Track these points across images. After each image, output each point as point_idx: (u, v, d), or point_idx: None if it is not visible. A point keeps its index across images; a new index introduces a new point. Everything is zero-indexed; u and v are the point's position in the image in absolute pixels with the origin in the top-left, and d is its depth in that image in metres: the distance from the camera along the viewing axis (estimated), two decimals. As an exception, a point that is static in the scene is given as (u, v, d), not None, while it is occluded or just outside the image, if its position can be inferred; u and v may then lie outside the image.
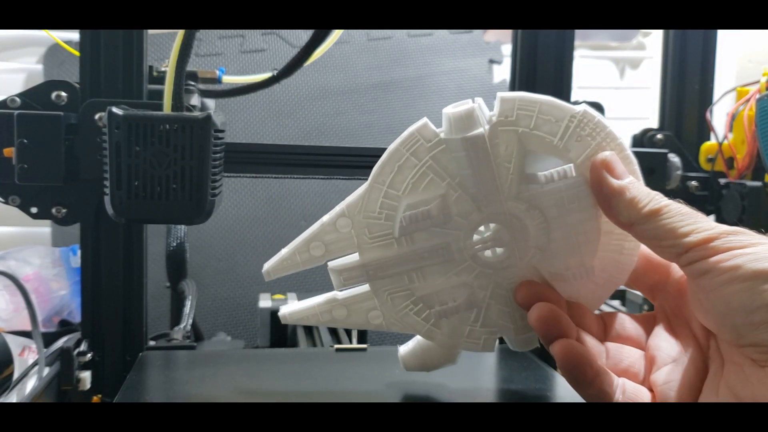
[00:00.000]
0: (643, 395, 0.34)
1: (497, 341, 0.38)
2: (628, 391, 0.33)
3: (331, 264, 0.37)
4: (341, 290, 0.38)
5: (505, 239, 0.36)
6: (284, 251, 0.38)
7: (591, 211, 0.35)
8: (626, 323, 0.37)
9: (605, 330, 0.37)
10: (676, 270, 0.36)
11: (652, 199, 0.32)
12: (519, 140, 0.35)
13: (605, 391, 0.33)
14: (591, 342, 0.35)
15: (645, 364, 0.35)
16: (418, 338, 0.40)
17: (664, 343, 0.35)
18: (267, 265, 0.38)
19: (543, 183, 0.35)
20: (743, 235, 0.30)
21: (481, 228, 0.36)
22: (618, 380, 0.34)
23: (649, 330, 0.37)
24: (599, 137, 0.34)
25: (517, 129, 0.35)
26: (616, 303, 0.82)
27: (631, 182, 0.33)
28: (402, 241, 0.36)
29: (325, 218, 0.37)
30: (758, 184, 0.63)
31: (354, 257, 0.37)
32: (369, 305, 0.38)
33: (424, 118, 0.35)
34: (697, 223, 0.31)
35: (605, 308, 0.39)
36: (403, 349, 0.41)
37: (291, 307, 0.40)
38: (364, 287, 0.38)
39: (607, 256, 0.36)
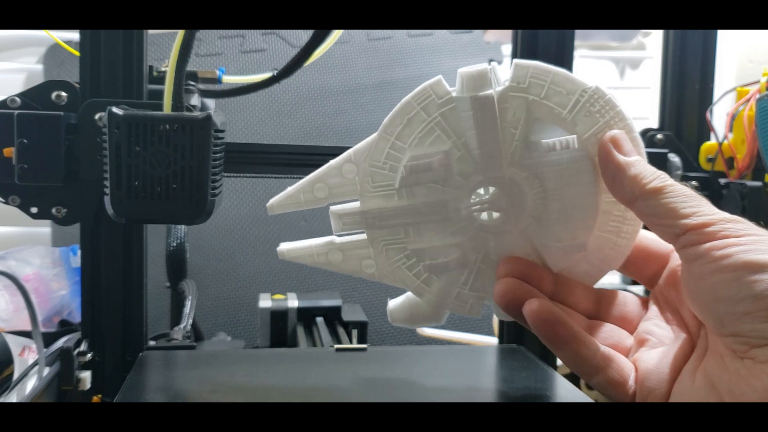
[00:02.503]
0: (626, 367, 0.33)
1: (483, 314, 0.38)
2: (615, 360, 0.33)
3: (332, 207, 0.38)
4: (339, 235, 0.39)
5: (502, 204, 0.36)
6: (290, 188, 0.38)
7: (590, 187, 0.35)
8: (627, 304, 0.37)
9: (599, 308, 0.36)
10: (672, 260, 0.36)
11: (658, 177, 0.32)
12: (528, 108, 0.35)
13: (582, 354, 0.33)
14: (569, 312, 0.35)
15: (633, 344, 0.35)
16: (408, 293, 0.40)
17: (656, 328, 0.35)
18: (272, 200, 0.39)
19: (544, 151, 0.35)
20: (741, 224, 0.30)
21: (480, 191, 0.37)
22: (602, 347, 0.33)
23: (644, 314, 0.37)
24: (608, 115, 0.35)
25: (528, 96, 0.35)
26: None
27: (638, 159, 0.33)
28: (402, 193, 0.37)
29: (332, 161, 0.38)
30: (758, 184, 0.63)
31: (355, 204, 0.38)
32: (364, 253, 0.39)
33: (439, 75, 0.36)
34: (699, 207, 0.31)
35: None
36: (393, 302, 0.42)
37: (290, 245, 0.40)
38: (362, 235, 0.38)
39: (603, 236, 0.36)
